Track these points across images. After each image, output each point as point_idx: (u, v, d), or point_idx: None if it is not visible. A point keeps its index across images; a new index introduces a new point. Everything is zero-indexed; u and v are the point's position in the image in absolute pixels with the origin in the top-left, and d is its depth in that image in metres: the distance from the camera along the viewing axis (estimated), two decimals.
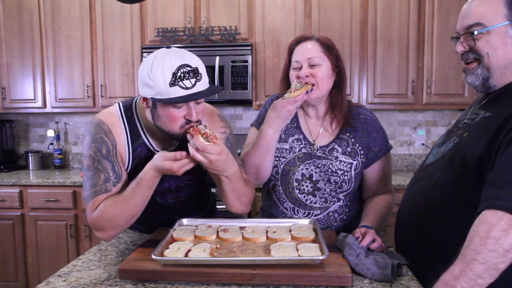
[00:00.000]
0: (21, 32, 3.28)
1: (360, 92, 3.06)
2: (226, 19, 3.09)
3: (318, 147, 1.46)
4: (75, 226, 3.00)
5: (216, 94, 2.92)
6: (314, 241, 1.22)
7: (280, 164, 1.47)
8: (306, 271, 1.04)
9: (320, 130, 1.49)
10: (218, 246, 1.19)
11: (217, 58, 3.02)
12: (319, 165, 1.43)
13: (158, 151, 1.33)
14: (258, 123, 1.54)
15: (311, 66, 1.39)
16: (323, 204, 1.45)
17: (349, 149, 1.45)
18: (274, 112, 1.34)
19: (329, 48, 1.42)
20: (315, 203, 1.44)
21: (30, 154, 3.54)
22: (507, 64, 1.11)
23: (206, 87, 1.19)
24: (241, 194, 1.33)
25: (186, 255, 1.11)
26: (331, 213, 1.45)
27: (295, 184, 1.45)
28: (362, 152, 1.45)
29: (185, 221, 1.40)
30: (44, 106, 3.34)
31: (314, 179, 1.44)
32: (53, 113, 3.62)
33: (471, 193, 1.06)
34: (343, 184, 1.42)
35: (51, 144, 3.65)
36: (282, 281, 1.04)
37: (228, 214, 1.49)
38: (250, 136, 1.56)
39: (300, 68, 1.41)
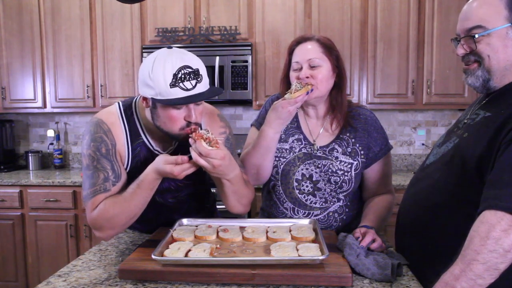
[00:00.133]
0: (21, 32, 3.28)
1: (360, 92, 3.06)
2: (226, 19, 3.09)
3: (318, 147, 1.46)
4: (75, 226, 3.00)
5: None
6: (314, 241, 1.22)
7: (280, 164, 1.47)
8: (306, 271, 1.04)
9: (320, 130, 1.49)
10: (218, 246, 1.19)
11: (217, 58, 3.02)
12: (319, 165, 1.43)
13: (157, 150, 1.33)
14: (258, 123, 1.54)
15: (311, 67, 1.39)
16: (323, 204, 1.45)
17: (349, 149, 1.45)
18: (275, 113, 1.34)
19: (329, 48, 1.42)
20: (315, 203, 1.44)
21: (30, 154, 3.54)
22: (507, 66, 1.11)
23: (207, 89, 1.19)
24: (241, 196, 1.33)
25: (186, 255, 1.11)
26: (331, 213, 1.45)
27: (295, 184, 1.45)
28: (362, 152, 1.45)
29: (185, 221, 1.40)
30: (44, 106, 3.34)
31: (314, 179, 1.44)
32: (53, 113, 3.62)
33: (471, 193, 1.06)
34: (343, 184, 1.42)
35: (51, 144, 3.65)
36: (282, 281, 1.04)
37: (228, 214, 1.49)
38: (250, 136, 1.56)
39: (300, 69, 1.40)
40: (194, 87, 1.14)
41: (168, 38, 3.12)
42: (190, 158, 1.17)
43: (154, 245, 1.16)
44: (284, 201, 1.47)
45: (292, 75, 1.43)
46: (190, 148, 1.16)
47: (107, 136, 1.26)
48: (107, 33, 3.20)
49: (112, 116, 1.30)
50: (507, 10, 1.08)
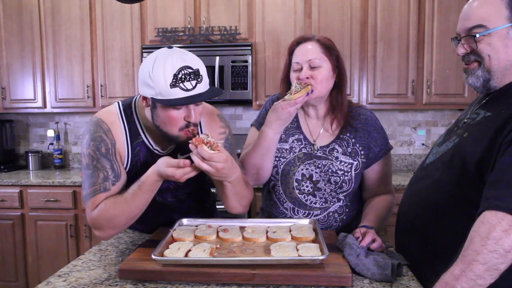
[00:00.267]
0: (21, 32, 3.28)
1: (360, 92, 3.06)
2: (226, 19, 3.09)
3: (319, 147, 1.46)
4: (75, 226, 3.00)
5: None
6: (314, 241, 1.22)
7: (280, 164, 1.47)
8: (306, 271, 1.04)
9: (320, 131, 1.49)
10: (218, 246, 1.19)
11: (217, 58, 3.02)
12: (319, 165, 1.43)
13: (157, 150, 1.33)
14: (258, 123, 1.54)
15: (312, 68, 1.39)
16: (323, 204, 1.45)
17: (349, 149, 1.45)
18: (275, 114, 1.34)
19: (329, 49, 1.42)
20: (315, 203, 1.44)
21: (30, 154, 3.54)
22: (508, 66, 1.11)
23: (207, 89, 1.19)
24: (242, 197, 1.34)
25: (186, 255, 1.11)
26: (331, 213, 1.45)
27: (295, 184, 1.45)
28: (362, 152, 1.45)
29: (185, 221, 1.40)
30: (44, 106, 3.34)
31: (314, 179, 1.44)
32: (53, 113, 3.62)
33: (471, 193, 1.06)
34: (343, 184, 1.42)
35: (51, 144, 3.65)
36: (282, 281, 1.04)
37: (227, 214, 1.49)
38: (250, 136, 1.56)
39: (301, 69, 1.40)
40: (194, 87, 1.14)
41: (168, 38, 3.12)
42: (192, 161, 1.17)
43: (154, 245, 1.16)
44: (284, 201, 1.47)
45: (293, 75, 1.43)
46: (191, 154, 1.16)
47: (107, 136, 1.26)
48: (107, 33, 3.20)
49: (112, 115, 1.30)
50: (508, 10, 1.08)
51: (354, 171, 1.43)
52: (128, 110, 1.32)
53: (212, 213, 1.66)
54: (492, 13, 1.09)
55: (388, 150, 1.50)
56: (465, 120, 1.21)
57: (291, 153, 1.47)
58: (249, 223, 1.39)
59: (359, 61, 3.03)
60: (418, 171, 1.32)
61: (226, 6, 3.08)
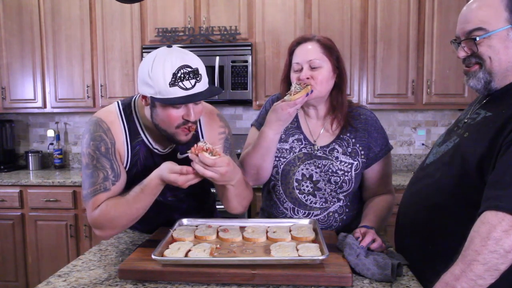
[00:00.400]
0: (21, 32, 3.28)
1: (360, 92, 3.06)
2: (226, 19, 3.09)
3: (319, 147, 1.46)
4: (75, 226, 3.00)
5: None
6: (314, 241, 1.22)
7: (280, 164, 1.47)
8: (306, 271, 1.04)
9: (320, 131, 1.49)
10: (218, 246, 1.19)
11: (217, 58, 3.02)
12: (320, 165, 1.43)
13: (157, 149, 1.33)
14: (259, 123, 1.54)
15: (312, 68, 1.39)
16: (323, 204, 1.44)
17: (349, 149, 1.45)
18: (275, 115, 1.34)
19: (329, 49, 1.42)
20: (315, 203, 1.44)
21: (30, 154, 3.53)
22: (509, 67, 1.11)
23: (206, 88, 1.19)
24: (243, 198, 1.34)
25: (186, 255, 1.11)
26: (331, 213, 1.45)
27: (295, 184, 1.45)
28: (362, 152, 1.45)
29: (185, 221, 1.40)
30: (44, 106, 3.34)
31: (314, 179, 1.43)
32: (53, 113, 3.62)
33: (471, 193, 1.06)
34: (343, 184, 1.42)
35: (51, 144, 3.65)
36: (282, 281, 1.04)
37: (227, 214, 1.49)
38: (250, 136, 1.56)
39: (301, 70, 1.40)
40: (193, 86, 1.14)
41: (168, 38, 3.11)
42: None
43: (154, 245, 1.16)
44: (284, 201, 1.47)
45: (293, 76, 1.43)
46: (192, 163, 1.15)
47: (107, 135, 1.26)
48: (107, 33, 3.20)
49: (111, 115, 1.30)
50: (507, 12, 1.08)
51: (354, 171, 1.43)
52: (128, 109, 1.32)
53: (212, 213, 1.66)
54: (492, 15, 1.09)
55: (388, 150, 1.50)
56: (466, 120, 1.21)
57: (291, 153, 1.47)
58: (249, 223, 1.39)
59: (359, 61, 3.03)
60: (418, 171, 1.32)
61: (226, 6, 3.08)
